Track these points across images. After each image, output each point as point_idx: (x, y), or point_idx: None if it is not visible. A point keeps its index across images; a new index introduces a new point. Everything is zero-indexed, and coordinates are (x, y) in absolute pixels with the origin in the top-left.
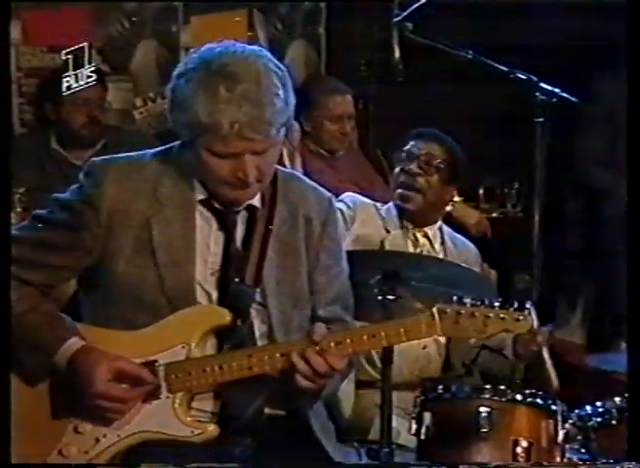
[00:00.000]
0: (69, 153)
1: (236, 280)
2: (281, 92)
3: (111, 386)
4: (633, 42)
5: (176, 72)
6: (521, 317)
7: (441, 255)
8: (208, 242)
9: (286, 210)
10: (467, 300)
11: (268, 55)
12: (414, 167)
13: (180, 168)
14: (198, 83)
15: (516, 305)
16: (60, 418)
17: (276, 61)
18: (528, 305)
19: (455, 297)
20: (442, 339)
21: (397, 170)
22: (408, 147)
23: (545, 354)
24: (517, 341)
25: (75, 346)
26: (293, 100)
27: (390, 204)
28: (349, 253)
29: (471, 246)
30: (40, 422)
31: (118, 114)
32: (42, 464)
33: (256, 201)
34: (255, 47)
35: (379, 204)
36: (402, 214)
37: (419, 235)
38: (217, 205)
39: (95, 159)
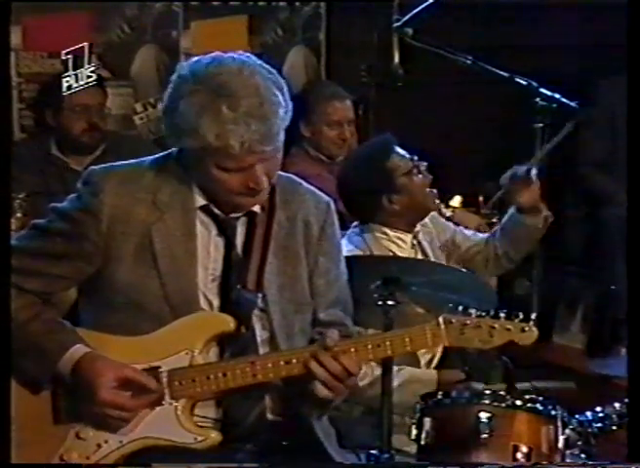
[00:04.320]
0: (69, 159)
1: (238, 286)
2: (281, 98)
3: (117, 394)
4: (633, 44)
5: (168, 96)
6: (527, 328)
7: (429, 252)
8: (208, 248)
9: (284, 214)
10: (473, 311)
11: (258, 61)
12: (425, 163)
13: (178, 175)
14: (198, 105)
15: (521, 316)
16: (62, 423)
17: (267, 67)
18: (533, 316)
19: (460, 307)
20: None
21: (418, 176)
22: (402, 157)
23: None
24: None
25: (79, 353)
26: (290, 102)
27: (359, 231)
28: (349, 259)
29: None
30: (42, 427)
31: (118, 120)
32: (42, 464)
33: (255, 206)
34: (243, 56)
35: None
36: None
37: (408, 238)
38: (216, 211)
39: (93, 167)
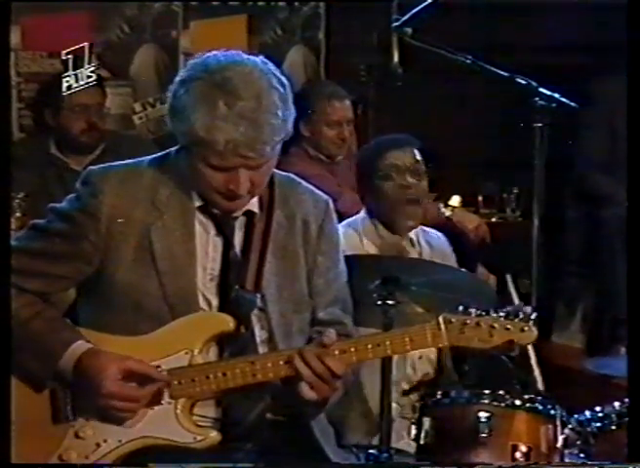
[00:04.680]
0: (68, 159)
1: (236, 286)
2: (280, 111)
3: (123, 386)
4: (633, 44)
5: (178, 78)
6: (526, 327)
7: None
8: (206, 248)
9: (283, 213)
10: (473, 310)
11: (272, 68)
12: (410, 179)
13: (177, 174)
14: (199, 94)
15: (521, 316)
16: (62, 423)
17: (280, 76)
18: (533, 316)
19: (460, 307)
20: None
21: (390, 185)
22: (391, 161)
23: (531, 352)
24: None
25: (81, 349)
26: (292, 115)
27: (364, 215)
28: (348, 258)
29: (442, 238)
30: (40, 427)
31: (117, 119)
32: (42, 464)
33: (253, 206)
34: (259, 60)
35: (357, 222)
36: (384, 226)
37: (404, 243)
38: (214, 211)
39: (92, 168)
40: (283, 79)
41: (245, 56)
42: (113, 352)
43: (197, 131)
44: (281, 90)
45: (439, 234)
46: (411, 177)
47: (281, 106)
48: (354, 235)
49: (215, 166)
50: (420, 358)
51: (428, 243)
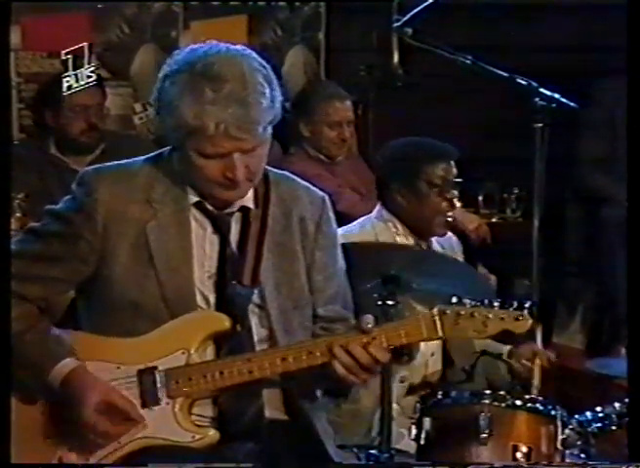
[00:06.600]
0: (69, 159)
1: (233, 282)
2: (267, 90)
3: (99, 419)
4: (633, 44)
5: (160, 74)
6: (520, 317)
7: None
8: (203, 245)
9: (279, 210)
10: (467, 301)
11: (253, 53)
12: (453, 192)
13: (171, 172)
14: (183, 85)
15: (515, 305)
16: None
17: (260, 60)
18: (527, 305)
19: (454, 298)
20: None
21: (436, 194)
22: (441, 172)
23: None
24: (513, 356)
25: (68, 367)
26: (279, 98)
27: (379, 214)
28: (347, 258)
29: (453, 238)
30: (39, 428)
31: (118, 119)
32: (42, 464)
33: (249, 202)
34: (239, 46)
35: (371, 221)
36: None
37: (412, 240)
38: (210, 207)
39: (86, 168)
40: (264, 63)
41: (223, 44)
42: (98, 378)
43: (186, 119)
44: (264, 71)
45: (450, 234)
46: (453, 191)
47: (267, 86)
48: (370, 232)
49: (208, 154)
50: (433, 355)
51: (440, 244)
